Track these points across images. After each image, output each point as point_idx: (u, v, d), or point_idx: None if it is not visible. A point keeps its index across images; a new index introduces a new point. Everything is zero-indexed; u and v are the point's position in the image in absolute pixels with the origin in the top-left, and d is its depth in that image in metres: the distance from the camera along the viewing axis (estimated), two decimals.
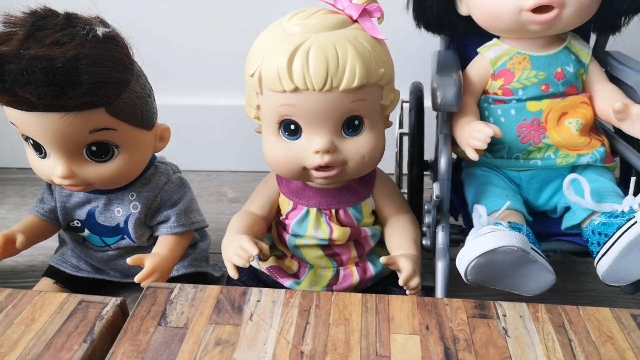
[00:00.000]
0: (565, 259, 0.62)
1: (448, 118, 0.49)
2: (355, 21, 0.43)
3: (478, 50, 0.52)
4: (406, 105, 0.61)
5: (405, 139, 0.60)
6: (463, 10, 0.51)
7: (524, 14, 0.45)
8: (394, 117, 0.57)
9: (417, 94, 0.60)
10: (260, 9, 0.70)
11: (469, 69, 0.52)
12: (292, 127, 0.43)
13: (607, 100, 0.48)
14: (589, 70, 0.50)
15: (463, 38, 0.55)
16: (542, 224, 0.51)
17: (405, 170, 0.62)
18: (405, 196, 0.56)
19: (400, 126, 0.60)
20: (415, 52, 0.63)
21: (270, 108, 0.43)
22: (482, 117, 0.51)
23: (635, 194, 0.44)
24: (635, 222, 0.40)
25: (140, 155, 0.48)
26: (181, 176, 0.55)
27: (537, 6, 0.44)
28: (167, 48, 0.78)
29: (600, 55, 0.53)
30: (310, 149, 0.43)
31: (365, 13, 0.43)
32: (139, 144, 0.48)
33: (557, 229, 0.50)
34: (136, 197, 0.51)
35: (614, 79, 0.51)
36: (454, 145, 0.50)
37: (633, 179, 0.43)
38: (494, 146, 0.50)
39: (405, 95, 0.58)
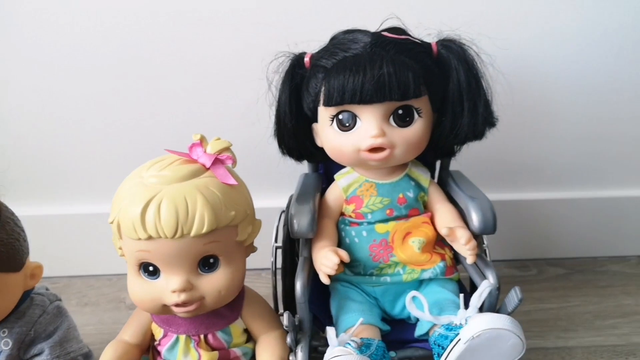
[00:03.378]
0: None
1: (307, 242, 0.54)
2: (209, 169, 0.48)
3: (334, 176, 0.58)
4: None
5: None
6: (319, 143, 0.57)
7: (362, 153, 0.52)
8: (272, 229, 0.62)
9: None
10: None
11: (327, 193, 0.58)
12: (151, 268, 0.46)
13: (442, 220, 0.55)
14: (428, 192, 0.57)
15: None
16: (401, 331, 0.55)
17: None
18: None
19: (276, 239, 0.64)
20: (293, 165, 0.69)
21: (129, 252, 0.46)
22: (340, 237, 0.56)
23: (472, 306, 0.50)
24: (459, 340, 0.46)
25: (9, 297, 0.50)
26: (59, 304, 0.56)
27: (371, 148, 0.51)
28: (61, 158, 0.81)
29: (443, 175, 0.61)
30: (168, 288, 0.46)
31: (217, 161, 0.48)
32: (7, 287, 0.49)
33: (413, 336, 0.55)
34: (8, 334, 0.51)
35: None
36: None
37: (461, 295, 0.49)
38: (353, 263, 0.55)
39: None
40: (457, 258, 0.58)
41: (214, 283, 0.47)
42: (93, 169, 0.81)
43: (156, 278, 0.47)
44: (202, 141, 0.49)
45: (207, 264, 0.47)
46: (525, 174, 0.86)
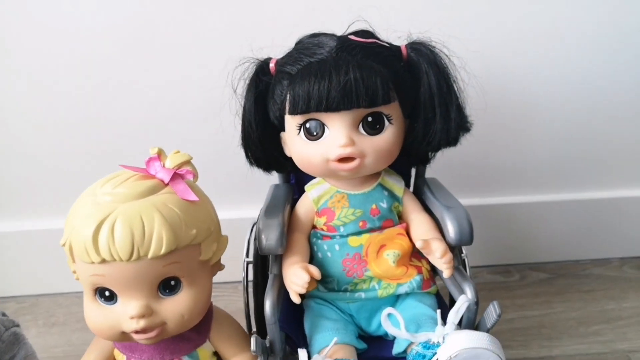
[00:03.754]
0: None
1: (277, 258, 0.52)
2: (168, 184, 0.45)
3: (305, 187, 0.55)
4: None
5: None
6: (287, 152, 0.54)
7: (331, 163, 0.49)
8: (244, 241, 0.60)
9: None
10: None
11: (297, 206, 0.55)
12: (107, 293, 0.43)
13: (417, 231, 0.53)
14: (403, 202, 0.55)
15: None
16: (378, 349, 0.53)
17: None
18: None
19: (247, 254, 0.62)
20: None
21: (83, 276, 0.43)
22: (312, 251, 0.54)
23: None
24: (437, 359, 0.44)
25: None
26: (16, 331, 0.53)
27: (340, 158, 0.49)
28: (23, 171, 0.78)
29: (418, 184, 0.59)
30: (126, 314, 0.43)
31: (176, 176, 0.45)
32: None
33: (392, 354, 0.52)
34: None
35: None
36: None
37: (438, 311, 0.47)
38: (326, 279, 0.53)
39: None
40: (434, 269, 0.56)
41: (176, 307, 0.44)
42: (56, 183, 0.78)
43: (113, 303, 0.44)
44: (160, 155, 0.46)
45: (168, 286, 0.44)
46: (505, 177, 0.84)
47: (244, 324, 0.58)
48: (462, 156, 0.66)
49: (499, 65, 0.74)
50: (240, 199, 0.78)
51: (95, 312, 0.44)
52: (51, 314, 0.79)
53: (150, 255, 0.42)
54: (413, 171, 0.60)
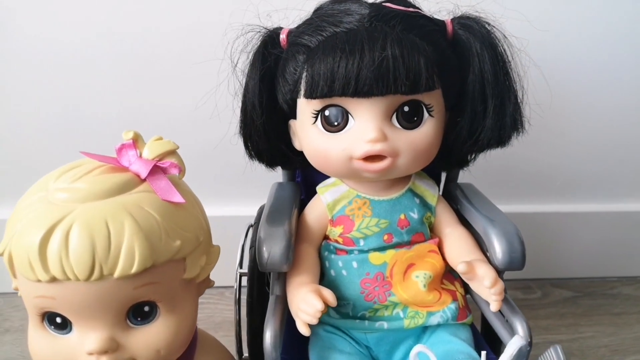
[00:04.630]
0: None
1: (280, 276, 0.42)
2: (145, 180, 0.35)
3: (317, 188, 0.45)
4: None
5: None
6: (297, 145, 0.44)
7: (355, 162, 0.39)
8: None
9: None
10: None
11: (307, 210, 0.45)
12: (59, 320, 0.33)
13: (455, 249, 0.43)
14: (436, 212, 0.45)
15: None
16: None
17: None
18: None
19: (241, 264, 0.51)
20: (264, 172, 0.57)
21: (26, 297, 0.33)
22: (324, 267, 0.44)
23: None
24: None
25: None
26: None
27: (368, 156, 0.39)
28: None
29: (451, 190, 0.49)
30: (83, 348, 0.33)
31: (157, 170, 0.35)
32: None
33: None
34: None
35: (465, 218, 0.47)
36: None
37: (484, 353, 0.38)
38: (340, 302, 0.42)
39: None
40: (467, 289, 0.46)
41: (150, 339, 0.34)
42: (12, 170, 0.67)
43: (66, 333, 0.33)
44: (137, 142, 0.35)
45: (140, 313, 0.34)
46: (530, 183, 0.75)
47: (232, 342, 0.48)
48: (482, 155, 0.57)
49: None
50: (235, 192, 0.68)
51: (42, 343, 0.34)
52: (5, 318, 0.69)
53: (117, 274, 0.31)
54: (443, 175, 0.51)
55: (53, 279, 0.31)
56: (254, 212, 0.52)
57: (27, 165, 0.66)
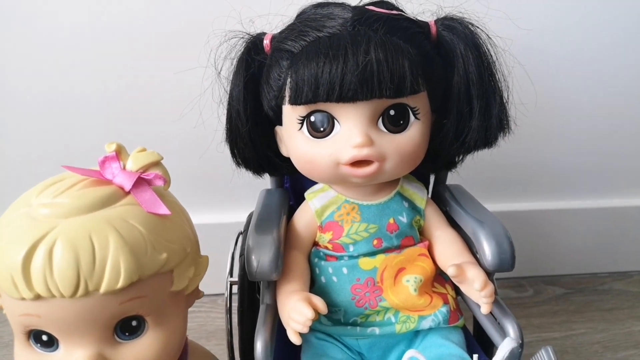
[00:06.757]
0: None
1: (270, 285, 0.41)
2: (129, 193, 0.34)
3: (305, 194, 0.45)
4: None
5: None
6: (284, 152, 0.44)
7: (342, 167, 0.39)
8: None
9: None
10: None
11: (296, 217, 0.45)
12: (45, 337, 0.32)
13: (445, 252, 0.43)
14: (425, 215, 0.45)
15: None
16: None
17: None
18: None
19: (231, 273, 0.51)
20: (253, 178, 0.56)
21: (11, 316, 0.32)
22: (314, 274, 0.43)
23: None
24: None
25: None
26: None
27: (355, 161, 0.38)
28: None
29: (440, 192, 0.49)
30: None
31: (141, 182, 0.34)
32: None
33: None
34: None
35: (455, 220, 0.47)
36: None
37: (475, 357, 0.38)
38: (331, 309, 0.42)
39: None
40: (458, 291, 0.46)
41: (138, 355, 0.33)
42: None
43: (53, 350, 0.33)
44: (120, 153, 0.35)
45: (127, 328, 0.33)
46: (517, 181, 0.76)
47: (225, 350, 0.48)
48: (467, 157, 0.57)
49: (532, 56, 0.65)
50: (225, 199, 0.68)
51: None
52: None
53: (103, 289, 0.31)
54: (431, 177, 0.51)
55: (37, 297, 0.30)
56: (244, 219, 0.52)
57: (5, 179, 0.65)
